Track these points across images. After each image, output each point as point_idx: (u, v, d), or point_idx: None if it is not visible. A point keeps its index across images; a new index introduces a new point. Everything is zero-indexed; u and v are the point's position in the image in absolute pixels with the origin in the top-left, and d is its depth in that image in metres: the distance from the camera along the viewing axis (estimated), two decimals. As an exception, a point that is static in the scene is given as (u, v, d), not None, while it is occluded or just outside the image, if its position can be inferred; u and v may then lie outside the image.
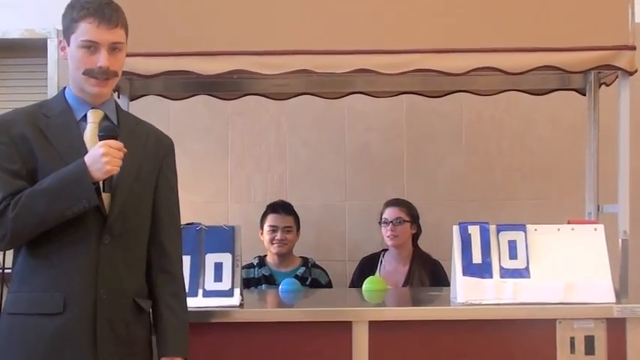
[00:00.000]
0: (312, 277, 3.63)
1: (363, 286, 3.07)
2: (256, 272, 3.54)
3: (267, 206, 3.71)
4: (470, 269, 2.47)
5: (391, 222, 3.54)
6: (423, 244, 3.66)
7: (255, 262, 3.59)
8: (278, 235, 3.55)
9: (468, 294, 2.42)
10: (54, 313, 1.80)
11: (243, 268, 3.02)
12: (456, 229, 2.50)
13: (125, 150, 1.83)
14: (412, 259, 3.55)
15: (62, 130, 1.87)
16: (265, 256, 3.63)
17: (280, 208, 3.62)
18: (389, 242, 3.56)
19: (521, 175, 4.02)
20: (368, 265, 3.61)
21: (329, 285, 3.61)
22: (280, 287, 3.08)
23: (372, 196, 3.99)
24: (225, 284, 2.41)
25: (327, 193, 4.05)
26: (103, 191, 1.83)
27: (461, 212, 3.90)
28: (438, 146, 4.04)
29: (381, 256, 3.64)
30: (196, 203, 3.93)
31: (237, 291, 2.42)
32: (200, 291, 2.40)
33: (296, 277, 3.47)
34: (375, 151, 4.07)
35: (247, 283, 3.52)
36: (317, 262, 3.67)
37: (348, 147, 4.08)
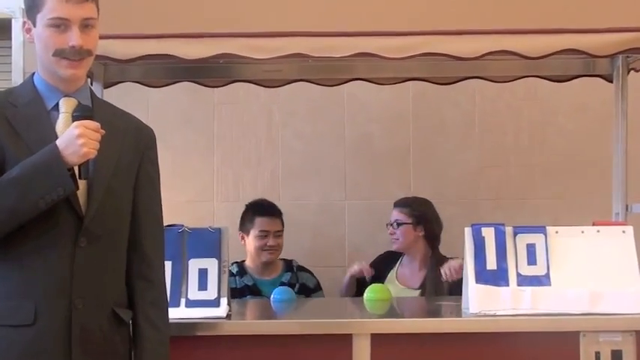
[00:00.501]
0: (300, 282, 3.60)
1: (365, 295, 3.08)
2: (237, 282, 3.51)
3: (250, 207, 3.61)
4: (483, 276, 2.48)
5: (391, 224, 3.60)
6: (431, 248, 3.64)
7: (235, 270, 3.54)
8: (270, 241, 3.53)
9: (482, 304, 2.43)
10: (24, 325, 1.79)
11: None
12: (468, 231, 2.51)
13: (102, 131, 1.81)
14: (428, 264, 3.54)
15: (32, 121, 1.85)
16: (244, 261, 3.60)
17: (269, 210, 3.58)
18: (393, 246, 3.60)
19: (541, 171, 4.05)
20: (386, 262, 3.64)
21: (318, 288, 3.63)
22: (272, 296, 3.10)
23: (374, 195, 4.02)
24: (210, 293, 2.42)
25: (324, 191, 4.07)
26: (79, 178, 1.80)
27: (474, 212, 3.92)
28: (448, 139, 4.07)
29: (402, 256, 3.68)
30: (178, 203, 3.94)
31: (224, 300, 2.42)
32: (183, 301, 2.40)
33: (282, 284, 3.48)
34: (378, 144, 4.09)
35: None
36: (302, 265, 3.68)
37: (348, 140, 4.09)
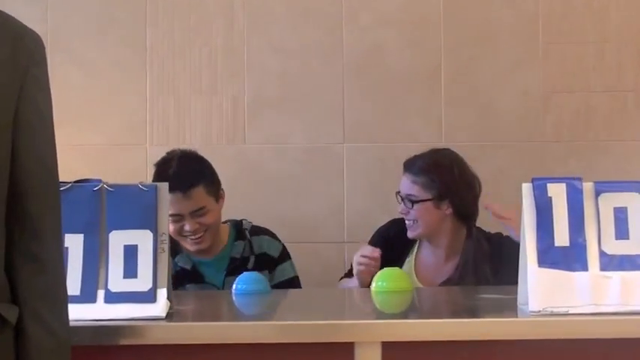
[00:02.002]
0: (257, 254, 3.64)
1: (373, 284, 3.10)
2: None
3: (155, 172, 3.55)
4: (550, 256, 2.48)
5: (402, 199, 3.57)
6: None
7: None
8: (187, 226, 3.50)
9: (547, 297, 2.43)
10: None
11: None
12: (527, 188, 2.51)
13: None
14: (461, 255, 3.59)
15: None
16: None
17: (179, 180, 3.43)
18: (408, 233, 3.59)
19: (636, 97, 4.08)
20: (398, 240, 3.64)
21: (284, 256, 3.69)
22: (235, 286, 3.10)
23: (386, 136, 4.10)
24: (142, 282, 2.43)
25: (312, 130, 4.15)
26: None
27: (535, 160, 4.01)
28: (497, 53, 4.15)
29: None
30: (94, 147, 4.04)
31: (162, 293, 2.42)
32: (100, 293, 2.42)
33: (232, 261, 3.57)
34: (391, 59, 4.13)
35: None
36: (258, 225, 3.72)
37: (348, 55, 4.13)
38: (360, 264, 3.42)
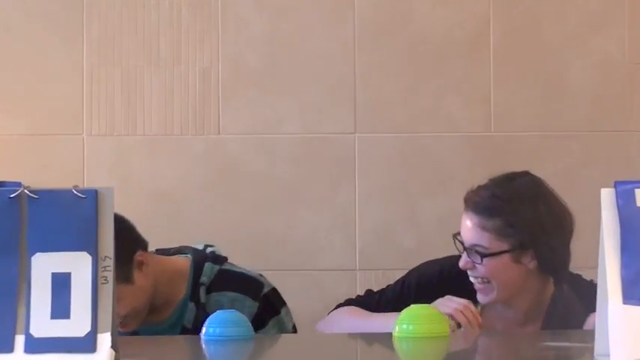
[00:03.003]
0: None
1: (396, 327, 3.04)
2: None
3: None
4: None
5: (464, 248, 3.50)
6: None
7: None
8: None
9: (637, 346, 2.39)
10: None
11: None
12: (607, 195, 2.41)
13: None
14: (545, 319, 3.54)
15: None
16: None
17: None
18: (478, 296, 3.53)
19: None
20: (457, 295, 3.54)
21: (264, 318, 3.65)
22: (205, 329, 3.02)
23: (412, 123, 4.11)
24: (77, 324, 2.37)
25: (312, 115, 4.17)
26: None
27: (619, 155, 4.05)
28: (563, 6, 4.15)
29: None
30: (11, 138, 4.08)
31: (104, 339, 2.36)
32: (19, 340, 2.36)
33: (185, 332, 3.59)
34: (420, 19, 4.15)
35: None
36: (228, 268, 3.69)
37: (362, 12, 4.13)
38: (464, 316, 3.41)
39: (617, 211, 2.39)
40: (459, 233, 3.47)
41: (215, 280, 3.64)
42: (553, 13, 4.14)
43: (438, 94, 4.12)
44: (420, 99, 4.12)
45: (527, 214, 3.46)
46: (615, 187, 2.39)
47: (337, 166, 4.14)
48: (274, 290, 3.67)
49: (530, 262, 3.45)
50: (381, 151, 4.14)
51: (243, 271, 3.68)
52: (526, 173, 3.54)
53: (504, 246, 3.42)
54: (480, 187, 3.49)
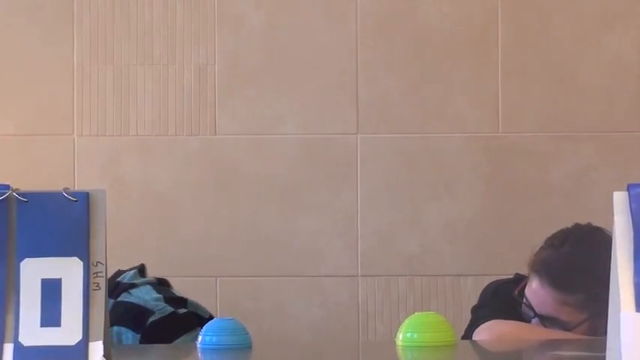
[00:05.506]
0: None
1: (399, 335, 3.01)
2: None
3: None
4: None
5: (540, 318, 3.45)
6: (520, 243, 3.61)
7: None
8: None
9: None
10: None
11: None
12: (620, 198, 2.30)
13: None
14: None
15: None
16: None
17: None
18: None
19: None
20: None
21: None
22: (202, 337, 3.01)
23: (417, 123, 4.12)
24: (67, 332, 2.35)
25: (312, 114, 4.17)
26: None
27: (634, 157, 4.03)
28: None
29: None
30: (1, 138, 4.09)
31: (96, 348, 2.34)
32: (7, 349, 2.34)
33: None
34: (426, 14, 4.14)
35: None
36: (174, 295, 3.65)
37: (365, 6, 4.15)
38: None
39: (630, 216, 2.29)
40: (529, 303, 3.43)
41: (110, 313, 3.60)
42: (564, 9, 4.12)
43: (443, 93, 4.11)
44: (425, 98, 4.11)
45: (607, 282, 3.43)
46: (628, 190, 2.27)
47: (338, 168, 4.13)
48: (172, 316, 3.58)
49: (601, 327, 3.44)
50: (384, 152, 4.13)
51: (140, 301, 3.61)
52: (596, 229, 3.47)
53: (584, 315, 3.41)
54: (551, 252, 3.46)
